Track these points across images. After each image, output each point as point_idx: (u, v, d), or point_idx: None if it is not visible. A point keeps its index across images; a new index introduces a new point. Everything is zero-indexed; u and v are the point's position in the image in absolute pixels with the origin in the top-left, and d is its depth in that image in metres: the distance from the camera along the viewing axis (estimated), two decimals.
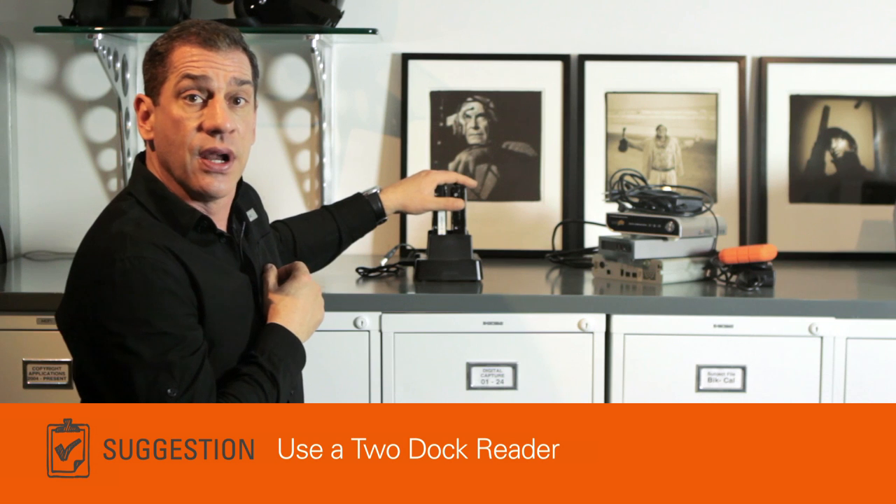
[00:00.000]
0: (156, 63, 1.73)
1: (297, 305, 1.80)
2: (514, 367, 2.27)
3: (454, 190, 2.44)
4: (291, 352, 1.77)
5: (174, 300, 1.63)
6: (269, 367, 1.72)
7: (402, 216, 2.88)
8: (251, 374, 1.70)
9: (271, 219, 2.09)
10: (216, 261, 1.74)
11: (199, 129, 1.70)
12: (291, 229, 2.19)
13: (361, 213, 2.27)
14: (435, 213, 2.44)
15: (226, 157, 1.72)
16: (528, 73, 2.90)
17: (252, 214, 1.87)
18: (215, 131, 1.70)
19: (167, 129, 1.71)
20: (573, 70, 2.91)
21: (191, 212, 1.72)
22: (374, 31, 2.69)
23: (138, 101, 1.76)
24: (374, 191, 2.31)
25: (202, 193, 1.72)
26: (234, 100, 1.73)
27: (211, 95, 1.71)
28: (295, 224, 2.21)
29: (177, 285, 1.64)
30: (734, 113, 2.89)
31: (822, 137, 2.89)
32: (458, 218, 2.45)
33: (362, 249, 2.93)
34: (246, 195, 1.88)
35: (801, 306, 2.26)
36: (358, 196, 2.30)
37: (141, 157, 1.79)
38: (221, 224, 1.79)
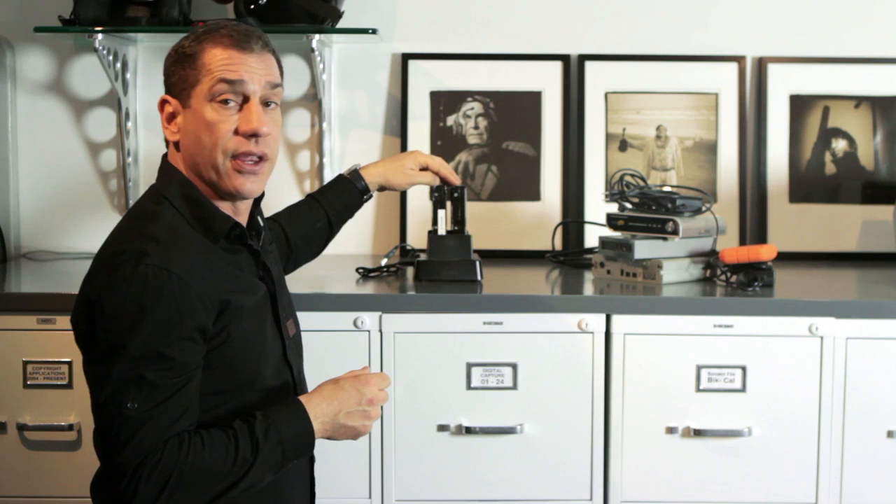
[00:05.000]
0: (185, 65, 1.71)
1: (334, 396, 1.73)
2: (514, 367, 2.27)
3: (454, 191, 2.44)
4: (295, 431, 1.68)
5: (178, 320, 1.60)
6: (258, 433, 1.64)
7: (402, 215, 2.88)
8: (238, 429, 1.65)
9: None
10: (242, 274, 1.74)
11: (235, 132, 1.69)
12: (280, 224, 2.18)
13: (346, 193, 2.26)
14: (435, 213, 2.44)
15: (259, 158, 1.72)
16: (528, 73, 2.90)
17: (260, 222, 1.87)
18: (252, 135, 1.69)
19: (199, 132, 1.69)
20: (573, 70, 2.91)
21: (225, 219, 1.72)
22: (374, 31, 2.69)
23: (163, 102, 1.74)
24: (354, 168, 2.29)
25: (234, 194, 1.72)
26: (265, 103, 1.73)
27: (246, 99, 1.70)
28: (283, 218, 2.20)
29: (190, 306, 1.61)
30: (734, 113, 2.89)
31: (822, 137, 2.89)
32: (458, 218, 2.45)
33: (362, 249, 2.93)
34: (255, 204, 1.88)
35: (801, 306, 2.25)
36: (340, 178, 2.28)
37: (166, 156, 1.78)
38: None
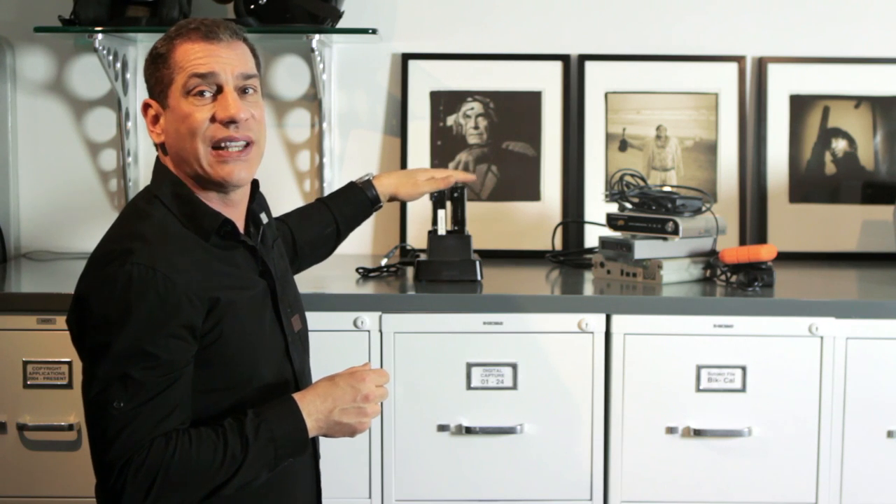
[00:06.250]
0: (159, 65, 1.72)
1: (329, 393, 1.71)
2: (514, 367, 2.27)
3: (454, 191, 2.44)
4: (288, 429, 1.67)
5: (164, 318, 1.60)
6: (248, 431, 1.63)
7: (402, 215, 2.88)
8: (228, 427, 1.64)
9: None
10: (237, 271, 1.73)
11: (212, 120, 1.69)
12: (289, 225, 2.18)
13: (356, 201, 2.27)
14: (435, 213, 2.44)
15: (246, 144, 1.71)
16: (528, 73, 2.90)
17: (264, 218, 1.86)
18: (230, 122, 1.69)
19: (179, 126, 1.70)
20: (573, 70, 2.91)
21: (214, 216, 1.72)
22: (374, 31, 2.69)
23: (146, 106, 1.75)
24: (367, 178, 2.30)
25: (223, 184, 1.71)
26: (242, 90, 1.73)
27: (220, 89, 1.70)
28: (291, 220, 2.21)
29: (177, 304, 1.61)
30: (734, 113, 2.89)
31: (822, 137, 2.89)
32: (458, 218, 2.45)
33: (362, 249, 2.93)
34: (258, 199, 1.88)
35: (801, 306, 2.25)
36: (351, 185, 2.30)
37: (159, 158, 1.78)
38: (239, 226, 1.78)
